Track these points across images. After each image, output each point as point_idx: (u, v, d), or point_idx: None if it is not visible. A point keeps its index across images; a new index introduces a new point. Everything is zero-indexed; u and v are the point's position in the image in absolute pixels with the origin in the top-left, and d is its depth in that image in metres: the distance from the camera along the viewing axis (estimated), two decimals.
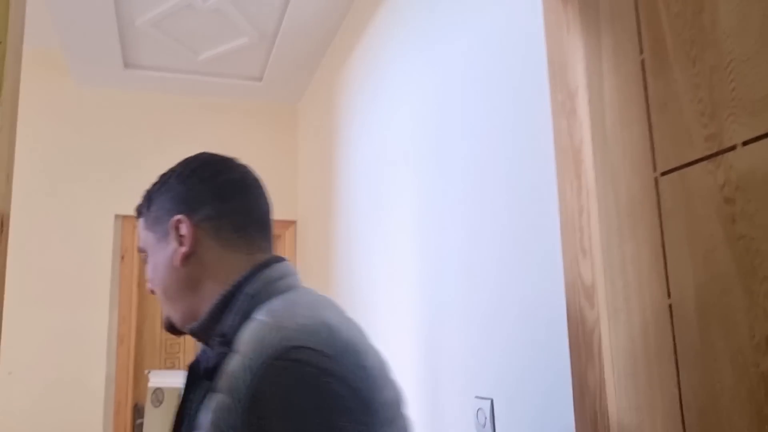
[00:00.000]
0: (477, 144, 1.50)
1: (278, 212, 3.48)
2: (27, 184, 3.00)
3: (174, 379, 2.34)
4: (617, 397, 0.81)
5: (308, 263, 3.21)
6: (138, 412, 2.97)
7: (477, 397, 1.47)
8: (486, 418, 1.43)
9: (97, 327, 2.99)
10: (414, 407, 1.82)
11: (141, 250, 0.93)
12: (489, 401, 1.42)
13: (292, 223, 3.45)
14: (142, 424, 2.38)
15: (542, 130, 1.16)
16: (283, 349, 0.66)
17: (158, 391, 2.35)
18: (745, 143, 0.67)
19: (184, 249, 0.86)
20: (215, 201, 0.89)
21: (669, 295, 0.73)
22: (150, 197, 0.94)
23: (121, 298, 3.07)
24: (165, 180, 0.94)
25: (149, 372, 2.40)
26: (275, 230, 3.33)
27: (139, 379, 3.03)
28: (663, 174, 0.75)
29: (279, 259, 0.88)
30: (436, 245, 1.71)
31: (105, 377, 2.96)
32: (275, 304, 0.77)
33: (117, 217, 3.13)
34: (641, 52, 0.80)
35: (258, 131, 3.47)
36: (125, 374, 3.00)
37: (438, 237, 1.70)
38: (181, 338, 3.24)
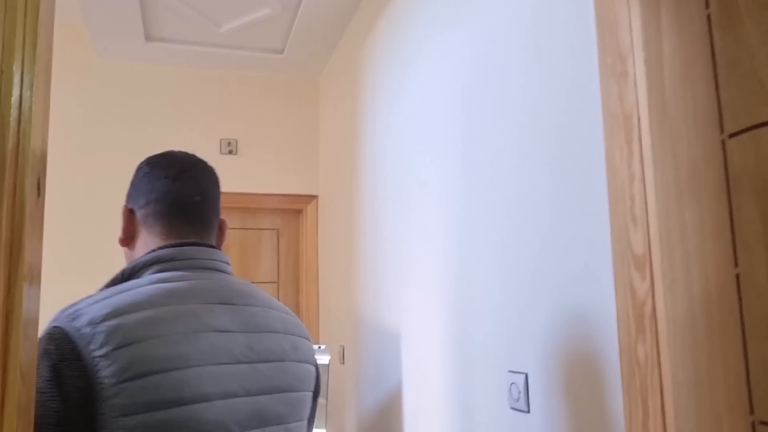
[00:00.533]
0: (517, 111, 1.45)
1: (299, 187, 3.46)
2: (50, 158, 3.00)
3: None
4: (672, 372, 0.78)
5: (330, 237, 3.19)
6: None
7: (510, 371, 1.45)
8: (520, 392, 1.40)
9: None
10: (443, 381, 1.82)
11: None
12: (523, 376, 1.39)
13: (314, 197, 3.42)
14: None
15: (589, 95, 1.11)
16: (49, 324, 0.82)
17: None
18: None
19: (120, 233, 1.01)
20: (147, 193, 1.00)
21: (736, 264, 0.69)
22: None
23: None
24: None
25: None
26: (297, 205, 3.27)
27: None
28: (731, 136, 0.71)
29: (182, 245, 0.94)
30: (468, 214, 1.68)
31: None
32: (115, 287, 0.87)
33: None
34: (707, 6, 0.75)
35: (279, 105, 3.43)
36: None
37: (470, 205, 1.67)
38: None
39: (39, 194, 0.71)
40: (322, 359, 2.05)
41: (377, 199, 2.48)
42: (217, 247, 1.03)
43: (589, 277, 1.13)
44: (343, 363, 2.84)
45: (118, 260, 3.02)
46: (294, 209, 3.42)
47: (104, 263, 3.01)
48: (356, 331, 2.68)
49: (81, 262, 2.99)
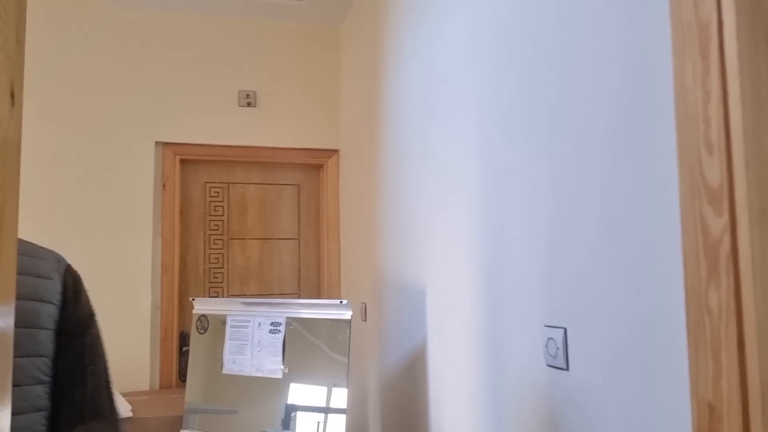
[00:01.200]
0: (561, 39, 1.30)
1: (320, 141, 3.35)
2: (65, 109, 2.91)
3: (218, 307, 2.28)
4: (758, 321, 0.66)
5: (352, 192, 3.09)
6: (184, 339, 2.96)
7: (547, 326, 1.34)
8: (558, 349, 1.30)
9: (141, 255, 2.95)
10: (472, 337, 1.72)
11: None
12: (562, 331, 1.28)
13: (335, 152, 3.31)
14: (188, 351, 2.35)
15: (656, 2, 0.96)
16: None
17: (203, 318, 2.31)
18: None
19: None
20: None
21: None
22: None
23: (163, 227, 3.02)
24: None
25: (194, 299, 2.35)
26: (318, 159, 3.15)
27: (185, 307, 3.01)
28: None
29: None
30: (503, 155, 1.55)
31: (151, 304, 2.94)
32: None
33: (157, 144, 3.04)
34: None
35: (299, 55, 3.29)
36: (170, 302, 2.98)
37: (505, 146, 1.54)
38: (224, 268, 3.19)
39: (13, 103, 0.61)
40: (344, 315, 1.97)
41: (402, 152, 2.36)
42: None
43: (645, 216, 1.00)
44: (365, 320, 2.76)
45: (134, 223, 2.94)
46: (315, 164, 3.31)
47: (120, 223, 2.95)
48: (379, 287, 2.60)
49: (93, 220, 2.93)
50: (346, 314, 1.97)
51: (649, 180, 0.98)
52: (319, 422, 1.96)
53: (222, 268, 3.18)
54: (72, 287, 1.15)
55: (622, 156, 1.08)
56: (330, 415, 1.93)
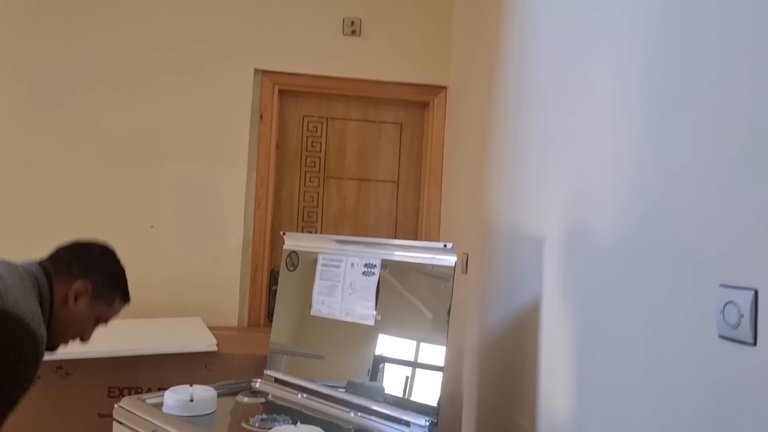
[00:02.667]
0: None
1: (427, 76, 3.03)
2: (164, 33, 2.80)
3: (309, 243, 2.10)
4: None
5: (460, 133, 2.79)
6: (274, 278, 2.84)
7: (725, 285, 1.01)
8: (741, 316, 0.97)
9: (234, 188, 2.84)
10: (606, 296, 1.29)
11: None
12: (750, 293, 0.96)
13: (443, 88, 3.01)
14: (276, 292, 2.21)
15: None
16: None
17: (293, 254, 2.14)
18: None
19: None
20: None
21: None
22: None
23: (259, 160, 2.88)
24: None
25: (285, 234, 2.18)
26: (423, 96, 2.87)
27: (276, 245, 2.88)
28: None
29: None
30: (668, 83, 1.20)
31: (242, 239, 2.84)
32: None
33: (257, 72, 2.88)
34: None
35: None
36: (262, 239, 2.87)
37: (674, 71, 1.18)
38: (319, 208, 3.03)
39: None
40: (448, 260, 1.71)
41: (522, 87, 2.03)
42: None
43: None
44: (466, 273, 2.50)
45: (230, 154, 2.79)
46: (420, 101, 3.03)
47: (215, 153, 2.83)
48: (485, 237, 2.31)
49: (188, 150, 2.83)
50: (450, 260, 1.71)
51: None
52: (408, 377, 1.74)
53: (317, 207, 3.02)
54: None
55: None
56: (424, 372, 1.70)
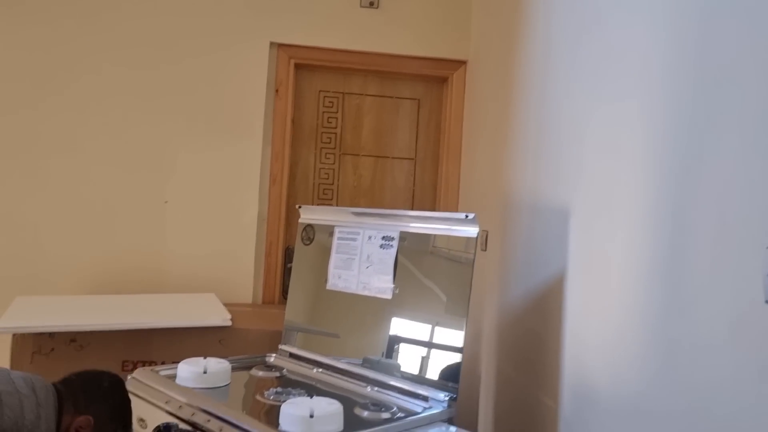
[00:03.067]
0: None
1: (446, 50, 2.94)
2: (180, 6, 2.75)
3: (325, 216, 2.05)
4: None
5: (479, 109, 2.71)
6: (289, 255, 2.80)
7: None
8: None
9: (249, 163, 2.79)
10: (641, 265, 1.21)
11: None
12: None
13: (462, 63, 2.93)
14: (291, 269, 2.17)
15: None
16: None
17: (308, 228, 2.09)
18: None
19: None
20: None
21: None
22: None
23: (274, 136, 2.82)
24: None
25: (300, 207, 2.13)
26: (442, 71, 2.78)
27: (291, 222, 2.83)
28: None
29: None
30: (699, 47, 1.12)
31: (257, 215, 2.79)
32: None
33: (272, 45, 2.82)
34: None
35: None
36: (277, 215, 2.82)
37: (705, 28, 1.11)
38: (334, 185, 2.97)
39: None
40: (470, 231, 1.65)
41: (550, 56, 1.95)
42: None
43: None
44: (485, 250, 2.44)
45: (244, 129, 2.72)
46: (438, 76, 2.95)
47: (230, 127, 2.78)
48: (505, 211, 2.25)
49: (202, 124, 2.78)
50: (472, 231, 1.65)
51: None
52: (426, 352, 1.68)
53: (332, 184, 2.97)
54: None
55: None
56: (443, 347, 1.65)
